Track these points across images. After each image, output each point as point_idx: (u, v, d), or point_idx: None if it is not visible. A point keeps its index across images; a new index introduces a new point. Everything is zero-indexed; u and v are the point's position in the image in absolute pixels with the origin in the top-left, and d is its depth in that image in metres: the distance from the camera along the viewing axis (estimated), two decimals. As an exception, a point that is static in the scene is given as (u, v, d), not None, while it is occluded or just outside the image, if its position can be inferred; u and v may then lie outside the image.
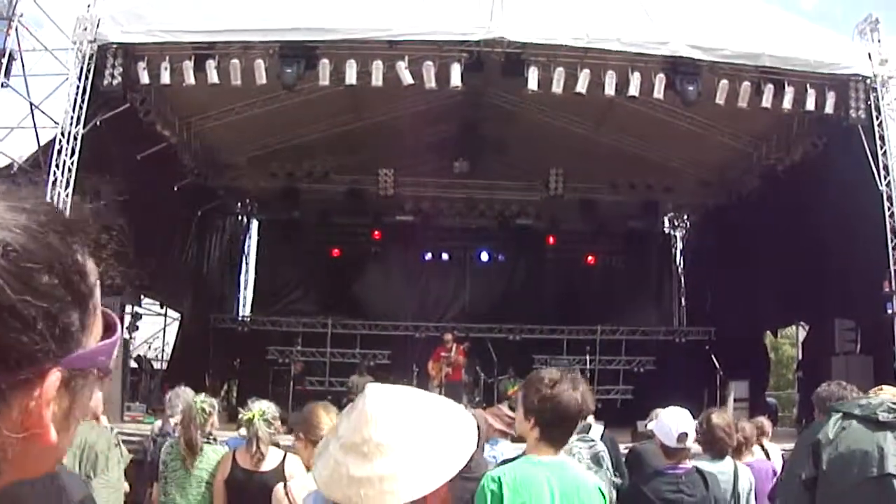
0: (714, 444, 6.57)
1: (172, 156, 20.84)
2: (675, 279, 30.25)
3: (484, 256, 28.69)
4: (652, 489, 5.73)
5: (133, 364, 21.32)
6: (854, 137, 16.90)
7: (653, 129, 21.33)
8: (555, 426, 4.44)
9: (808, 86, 16.75)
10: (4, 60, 16.05)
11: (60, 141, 16.10)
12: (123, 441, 7.54)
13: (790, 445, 11.51)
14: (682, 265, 30.36)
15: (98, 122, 16.61)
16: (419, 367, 22.83)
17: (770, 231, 21.56)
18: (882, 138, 16.77)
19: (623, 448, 9.21)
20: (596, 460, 6.45)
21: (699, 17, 16.78)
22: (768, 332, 26.34)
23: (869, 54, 16.94)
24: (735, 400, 19.96)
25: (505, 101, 22.37)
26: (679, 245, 30.58)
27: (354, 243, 28.41)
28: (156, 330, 26.34)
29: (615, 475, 7.54)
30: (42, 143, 16.86)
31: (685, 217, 29.69)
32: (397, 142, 23.93)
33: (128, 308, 20.71)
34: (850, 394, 5.87)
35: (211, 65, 16.41)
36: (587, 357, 23.58)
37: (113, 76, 16.38)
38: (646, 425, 9.01)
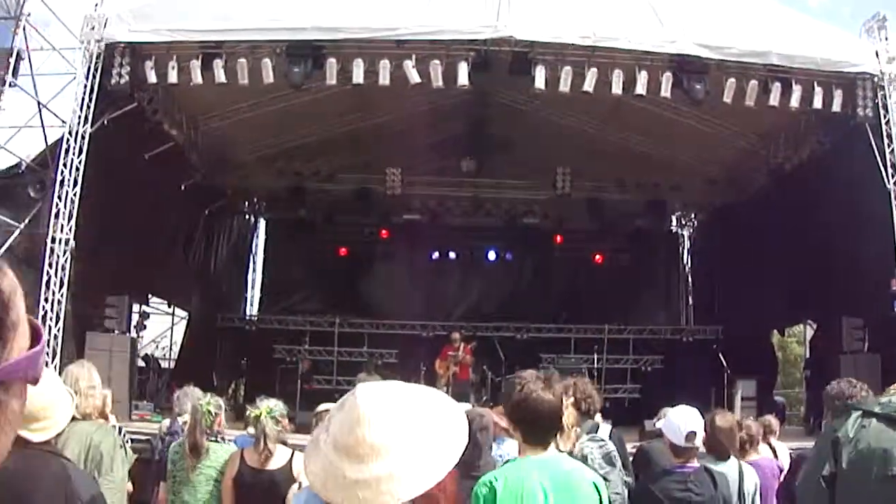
0: (717, 447, 6.57)
1: (180, 155, 20.85)
2: (682, 278, 30.22)
3: (491, 255, 28.72)
4: (660, 488, 5.74)
5: (141, 363, 21.36)
6: (861, 136, 16.88)
7: (660, 127, 21.32)
8: (531, 426, 4.56)
9: (815, 84, 16.71)
10: (12, 60, 16.08)
11: (68, 140, 16.13)
12: (132, 440, 7.57)
13: (798, 444, 11.54)
14: (689, 264, 30.31)
15: (105, 122, 16.64)
16: (426, 365, 22.85)
17: (777, 229, 21.53)
18: (889, 136, 16.73)
19: (631, 447, 9.20)
20: (608, 460, 6.44)
21: (706, 16, 16.75)
22: (775, 331, 26.30)
23: (876, 52, 16.91)
24: (742, 399, 19.93)
25: (512, 100, 22.38)
26: (686, 244, 30.52)
27: (362, 242, 28.42)
28: (163, 329, 26.38)
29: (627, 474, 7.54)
30: (49, 143, 16.88)
31: (692, 216, 29.66)
32: (404, 141, 23.95)
33: (135, 307, 20.75)
34: (859, 392, 5.86)
35: (218, 64, 16.42)
36: (594, 356, 23.55)
37: (120, 75, 16.40)
38: (654, 424, 9.00)
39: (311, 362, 23.87)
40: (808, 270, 20.19)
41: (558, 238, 28.17)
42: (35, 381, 1.23)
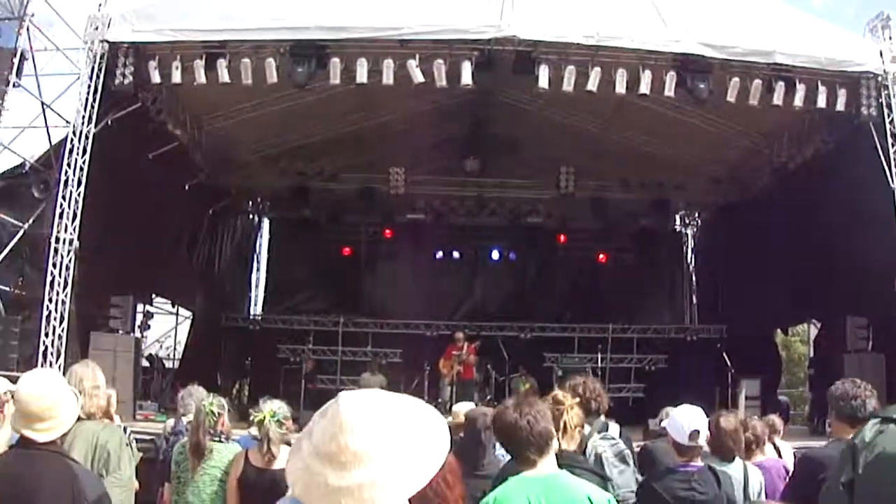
0: (722, 448, 6.56)
1: (183, 155, 20.86)
2: (686, 277, 30.21)
3: (495, 255, 28.72)
4: (664, 487, 5.73)
5: (145, 363, 21.38)
6: (865, 135, 16.86)
7: (663, 127, 21.31)
8: (511, 447, 4.74)
9: (819, 83, 16.71)
10: (16, 60, 16.09)
11: (72, 140, 16.15)
12: (136, 440, 7.57)
13: (802, 443, 11.53)
14: (693, 263, 30.32)
15: (109, 122, 16.66)
16: (430, 365, 22.87)
17: (781, 228, 21.51)
18: (894, 135, 16.71)
19: (635, 446, 9.20)
20: (622, 458, 6.45)
21: (710, 15, 16.74)
22: (779, 330, 26.27)
23: (880, 52, 16.89)
24: (747, 398, 19.92)
25: (515, 99, 22.37)
26: (690, 243, 30.54)
27: (365, 242, 28.46)
28: (167, 329, 26.42)
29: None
30: (54, 143, 16.90)
31: (696, 215, 29.66)
32: (408, 140, 23.98)
33: (139, 307, 20.78)
34: (863, 391, 5.86)
35: (222, 64, 16.44)
36: (598, 355, 23.55)
37: (124, 75, 16.42)
38: (659, 423, 8.99)
39: (315, 362, 23.88)
40: (811, 269, 20.18)
41: (562, 237, 28.17)
42: None
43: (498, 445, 7.18)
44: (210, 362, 24.15)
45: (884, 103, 16.75)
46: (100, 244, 17.02)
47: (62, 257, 15.84)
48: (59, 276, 15.78)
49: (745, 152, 22.78)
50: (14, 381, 5.00)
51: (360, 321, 25.51)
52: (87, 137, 16.14)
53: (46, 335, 15.49)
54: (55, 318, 15.61)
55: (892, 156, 16.58)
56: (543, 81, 16.55)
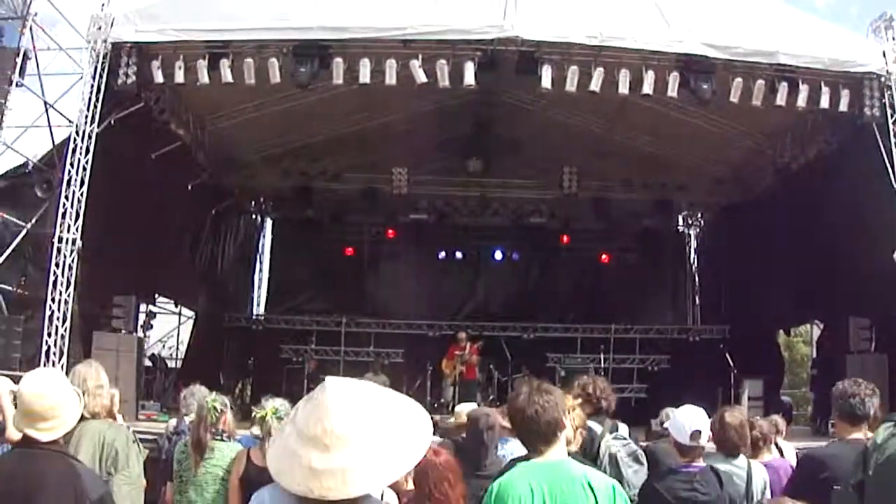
0: (727, 443, 6.56)
1: (186, 155, 20.87)
2: (688, 278, 30.18)
3: (498, 255, 28.73)
4: (666, 487, 5.73)
5: (147, 362, 21.38)
6: (868, 135, 16.84)
7: (666, 127, 21.31)
8: (521, 434, 4.74)
9: (822, 84, 16.69)
10: (19, 59, 16.09)
11: (75, 140, 16.15)
12: (139, 439, 7.57)
13: (804, 444, 11.53)
14: (695, 264, 30.29)
15: (112, 121, 16.67)
16: (433, 365, 22.90)
17: (784, 229, 21.50)
18: (896, 136, 16.72)
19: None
20: (635, 458, 6.47)
21: (713, 16, 16.73)
22: (781, 331, 26.25)
23: (883, 52, 16.86)
24: (749, 398, 19.92)
25: (518, 99, 22.37)
26: (693, 243, 30.51)
27: (368, 242, 28.48)
28: (170, 328, 26.37)
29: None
30: (56, 142, 16.91)
31: (699, 215, 29.64)
32: (411, 141, 24.00)
33: (142, 307, 20.78)
34: (864, 391, 5.87)
35: (225, 64, 16.44)
36: (601, 356, 23.57)
37: (127, 75, 16.42)
38: (660, 424, 9.00)
39: (318, 362, 23.91)
40: (814, 270, 20.16)
41: (565, 238, 28.17)
42: None
43: (499, 445, 7.20)
44: (213, 362, 24.16)
45: (887, 104, 16.73)
46: (102, 244, 17.02)
47: (65, 257, 15.84)
48: (62, 275, 15.79)
49: (748, 153, 22.76)
50: (17, 380, 5.00)
51: (363, 321, 25.53)
52: (89, 137, 16.14)
53: (49, 335, 15.50)
54: (58, 318, 15.61)
55: (895, 156, 16.56)
56: (546, 82, 16.54)
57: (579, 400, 6.61)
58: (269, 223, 30.49)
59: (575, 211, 26.64)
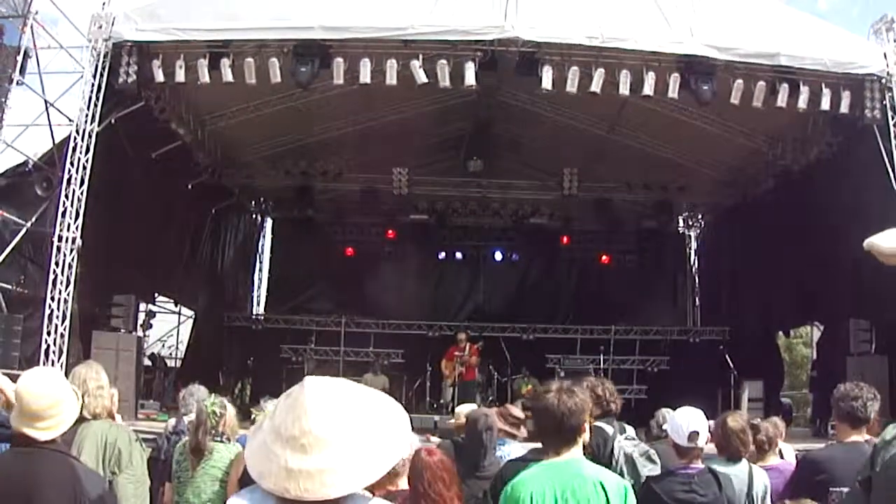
0: (729, 447, 6.54)
1: (187, 154, 20.90)
2: (689, 279, 30.18)
3: (498, 256, 28.74)
4: (664, 489, 5.72)
5: (147, 362, 21.37)
6: (869, 137, 16.83)
7: (667, 128, 21.32)
8: (542, 432, 4.76)
9: (823, 85, 16.69)
10: (20, 58, 16.07)
11: (75, 138, 16.15)
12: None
13: (804, 445, 11.51)
14: (696, 265, 30.28)
15: (113, 120, 16.69)
16: (433, 366, 22.89)
17: (784, 231, 21.48)
18: (897, 138, 16.71)
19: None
20: (648, 458, 6.46)
21: (714, 17, 16.70)
22: (780, 333, 26.23)
23: (884, 54, 16.86)
24: (749, 400, 19.93)
25: (519, 100, 22.36)
26: (693, 245, 30.50)
27: (368, 242, 28.49)
28: (170, 328, 26.37)
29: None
30: (57, 141, 16.88)
31: (699, 217, 29.61)
32: (411, 141, 24.00)
33: (142, 306, 20.77)
34: (864, 393, 5.87)
35: (225, 63, 16.44)
36: (601, 356, 23.56)
37: (128, 74, 16.42)
38: (658, 426, 8.99)
39: (318, 362, 23.86)
40: (815, 271, 20.15)
41: (565, 238, 28.18)
42: None
43: (498, 446, 7.19)
44: (212, 362, 24.15)
45: (888, 105, 16.74)
46: (102, 243, 17.00)
47: (65, 256, 15.84)
48: (62, 274, 15.79)
49: (749, 154, 22.73)
50: (16, 379, 4.99)
51: (363, 321, 25.51)
52: (90, 136, 16.15)
53: (49, 334, 15.50)
54: (57, 317, 15.61)
55: (895, 158, 16.55)
56: (547, 82, 16.55)
57: (595, 399, 6.63)
58: (269, 223, 30.49)
59: (575, 211, 26.66)
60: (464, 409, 8.70)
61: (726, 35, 16.50)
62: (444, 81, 16.61)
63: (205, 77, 16.56)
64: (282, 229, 29.83)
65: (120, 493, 6.06)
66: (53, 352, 15.49)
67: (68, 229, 15.90)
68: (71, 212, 15.94)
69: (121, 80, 16.43)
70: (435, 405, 22.44)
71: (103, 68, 16.29)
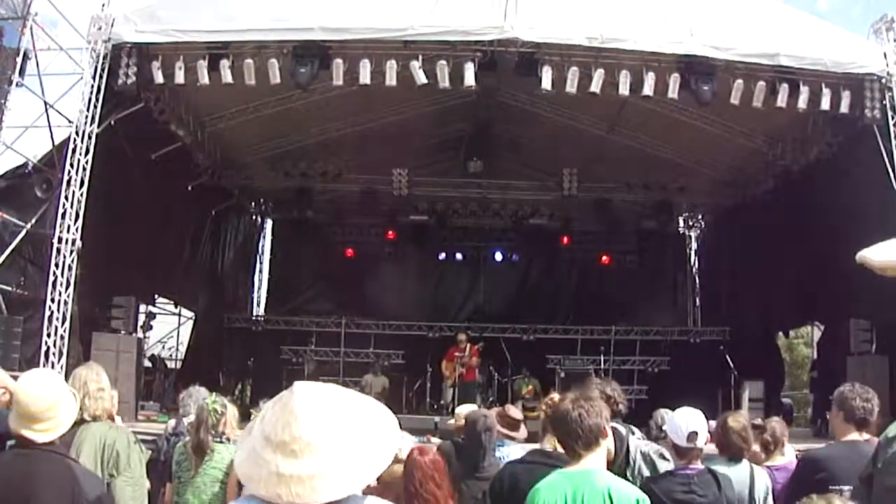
0: (730, 448, 6.53)
1: (186, 155, 20.91)
2: (689, 279, 30.17)
3: (498, 256, 28.75)
4: (663, 489, 5.70)
5: (147, 363, 21.36)
6: (869, 137, 16.82)
7: (667, 128, 21.33)
8: (564, 440, 4.81)
9: (823, 85, 16.67)
10: (19, 59, 16.07)
11: (75, 140, 16.15)
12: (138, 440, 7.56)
13: (805, 446, 11.50)
14: (696, 265, 30.27)
15: (112, 122, 16.68)
16: (433, 367, 22.88)
17: (785, 231, 21.48)
18: (898, 138, 16.70)
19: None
20: (661, 456, 6.46)
21: (714, 17, 16.70)
22: (780, 333, 26.22)
23: (884, 54, 16.85)
24: (750, 400, 19.91)
25: (519, 100, 22.36)
26: (693, 245, 30.50)
27: (368, 243, 28.49)
28: (170, 329, 26.37)
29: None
30: (56, 143, 16.88)
31: (699, 217, 29.61)
32: (411, 141, 24.01)
33: (142, 307, 20.76)
34: (864, 393, 5.88)
35: (225, 64, 16.43)
36: (601, 357, 23.53)
37: (127, 75, 16.42)
38: (657, 426, 8.99)
39: (318, 363, 23.87)
40: (815, 271, 20.14)
41: (565, 239, 28.16)
42: None
43: (498, 447, 7.19)
44: (212, 363, 24.15)
45: (888, 105, 16.72)
46: (102, 244, 17.00)
47: (64, 257, 15.84)
48: (62, 276, 15.79)
49: (749, 154, 22.71)
50: (16, 379, 4.99)
51: (363, 322, 25.50)
52: (89, 137, 16.15)
53: (49, 335, 15.49)
54: (57, 319, 15.61)
55: (895, 158, 16.54)
56: (546, 83, 16.54)
57: (605, 399, 6.63)
58: (269, 224, 30.50)
59: (575, 212, 26.66)
60: (463, 410, 8.71)
61: (726, 35, 16.49)
62: (444, 82, 16.61)
63: (204, 78, 16.56)
64: (282, 230, 29.84)
65: (118, 495, 6.04)
66: (53, 353, 15.48)
67: (68, 231, 15.90)
68: (71, 213, 15.93)
69: (120, 81, 16.42)
70: (435, 406, 22.44)
71: (103, 70, 16.28)
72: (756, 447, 7.52)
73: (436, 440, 11.42)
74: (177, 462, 7.50)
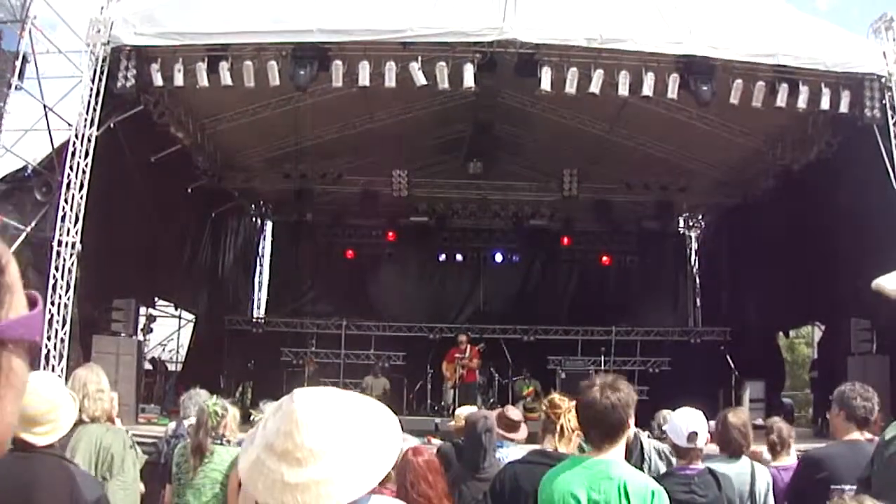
0: (730, 444, 6.54)
1: (186, 158, 20.90)
2: (689, 279, 30.16)
3: (498, 257, 28.77)
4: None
5: (147, 366, 21.36)
6: (869, 137, 16.80)
7: (667, 129, 21.29)
8: (587, 427, 4.75)
9: (822, 85, 16.65)
10: (18, 63, 16.08)
11: (74, 143, 16.15)
12: (138, 443, 7.55)
13: (806, 446, 11.50)
14: (696, 265, 30.26)
15: (112, 125, 16.67)
16: (434, 368, 22.88)
17: (785, 231, 21.49)
18: (897, 137, 16.69)
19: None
20: (670, 453, 6.48)
21: (713, 17, 16.69)
22: (780, 333, 26.21)
23: (884, 53, 16.84)
24: (751, 400, 19.90)
25: (518, 101, 22.35)
26: (694, 245, 30.48)
27: (368, 244, 28.50)
28: (170, 332, 26.38)
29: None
30: (56, 146, 16.88)
31: (700, 217, 29.61)
32: (410, 143, 24.00)
33: (142, 310, 20.75)
34: (864, 393, 5.88)
35: (224, 67, 16.43)
36: (602, 358, 23.51)
37: (126, 78, 16.40)
38: (659, 427, 8.99)
39: (318, 365, 23.86)
40: (815, 271, 20.12)
41: (565, 240, 28.18)
42: (34, 345, 1.24)
43: (498, 448, 7.18)
44: (213, 365, 24.11)
45: (887, 105, 16.70)
46: (102, 247, 16.99)
47: (64, 260, 15.83)
48: (62, 279, 15.78)
49: (749, 154, 22.70)
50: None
51: (363, 324, 25.51)
52: (89, 140, 16.14)
53: (49, 338, 15.47)
54: (57, 322, 15.60)
55: (895, 157, 16.53)
56: (546, 84, 16.53)
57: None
58: (269, 226, 30.52)
59: (575, 213, 26.64)
60: (463, 412, 8.71)
61: (725, 35, 16.48)
62: (444, 83, 16.60)
63: (203, 81, 16.55)
64: (282, 232, 29.87)
65: (110, 498, 6.04)
66: (53, 356, 15.47)
67: (68, 234, 15.89)
68: (70, 216, 15.93)
69: (119, 84, 16.40)
70: (436, 407, 22.43)
71: (102, 73, 16.28)
72: (762, 447, 7.53)
73: (436, 441, 11.42)
74: (176, 464, 7.50)
